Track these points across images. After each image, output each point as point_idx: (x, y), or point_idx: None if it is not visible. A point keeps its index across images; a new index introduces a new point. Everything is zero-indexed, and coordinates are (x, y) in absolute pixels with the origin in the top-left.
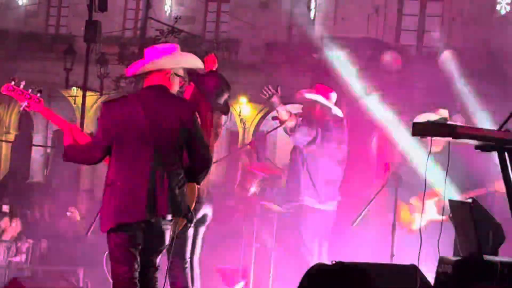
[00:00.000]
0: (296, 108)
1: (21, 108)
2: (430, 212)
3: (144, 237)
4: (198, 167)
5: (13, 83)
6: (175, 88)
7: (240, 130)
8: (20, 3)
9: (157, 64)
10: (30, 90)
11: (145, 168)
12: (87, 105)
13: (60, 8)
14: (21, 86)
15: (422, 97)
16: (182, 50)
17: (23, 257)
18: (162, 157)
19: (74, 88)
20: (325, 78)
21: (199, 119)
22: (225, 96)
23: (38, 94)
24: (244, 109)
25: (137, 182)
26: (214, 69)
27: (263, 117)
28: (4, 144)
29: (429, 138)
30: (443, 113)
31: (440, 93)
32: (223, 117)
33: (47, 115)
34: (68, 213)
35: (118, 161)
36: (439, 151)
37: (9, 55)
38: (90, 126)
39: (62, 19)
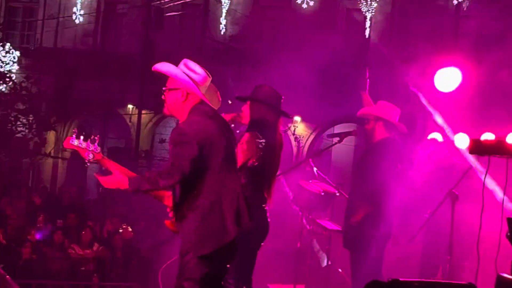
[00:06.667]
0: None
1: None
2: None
3: (227, 256)
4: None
5: (74, 136)
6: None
7: (294, 149)
8: (77, 22)
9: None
10: (89, 141)
11: (230, 187)
12: (142, 123)
13: (117, 27)
14: (81, 138)
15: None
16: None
17: None
18: (235, 175)
19: (130, 106)
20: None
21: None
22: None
23: (95, 144)
24: (298, 127)
25: (227, 202)
26: None
27: (317, 136)
28: (60, 161)
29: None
30: None
31: None
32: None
33: (106, 164)
34: (120, 230)
35: (204, 183)
36: None
37: (66, 74)
38: (146, 144)
39: (119, 37)
